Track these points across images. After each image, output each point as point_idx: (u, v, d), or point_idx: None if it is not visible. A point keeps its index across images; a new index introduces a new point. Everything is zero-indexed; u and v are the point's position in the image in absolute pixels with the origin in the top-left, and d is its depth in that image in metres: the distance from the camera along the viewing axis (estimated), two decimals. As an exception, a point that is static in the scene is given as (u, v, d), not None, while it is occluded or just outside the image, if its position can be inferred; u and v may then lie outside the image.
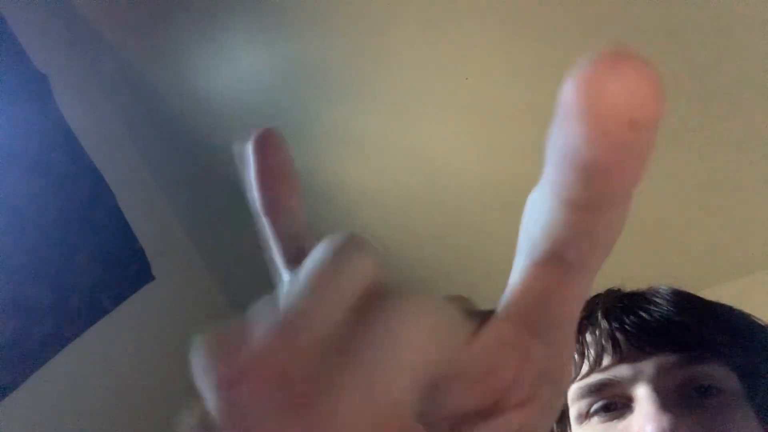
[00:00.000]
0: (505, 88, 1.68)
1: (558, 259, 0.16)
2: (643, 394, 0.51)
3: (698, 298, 0.60)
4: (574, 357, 0.58)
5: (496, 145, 1.79)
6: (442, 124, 1.81)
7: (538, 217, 0.17)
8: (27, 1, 1.90)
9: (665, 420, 0.47)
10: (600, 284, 0.65)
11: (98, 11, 1.96)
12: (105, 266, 1.95)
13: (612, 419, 0.52)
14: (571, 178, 0.15)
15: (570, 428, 0.58)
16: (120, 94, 2.12)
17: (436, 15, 1.64)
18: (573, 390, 0.57)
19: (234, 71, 1.96)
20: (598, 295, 0.61)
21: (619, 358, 0.54)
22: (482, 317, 0.17)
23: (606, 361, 0.55)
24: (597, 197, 0.15)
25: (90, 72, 2.08)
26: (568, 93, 0.14)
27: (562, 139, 0.15)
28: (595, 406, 0.54)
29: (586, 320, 0.60)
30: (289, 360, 0.14)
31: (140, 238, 2.07)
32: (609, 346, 0.55)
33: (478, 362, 0.16)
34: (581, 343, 0.58)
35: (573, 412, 0.57)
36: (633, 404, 0.52)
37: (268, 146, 0.24)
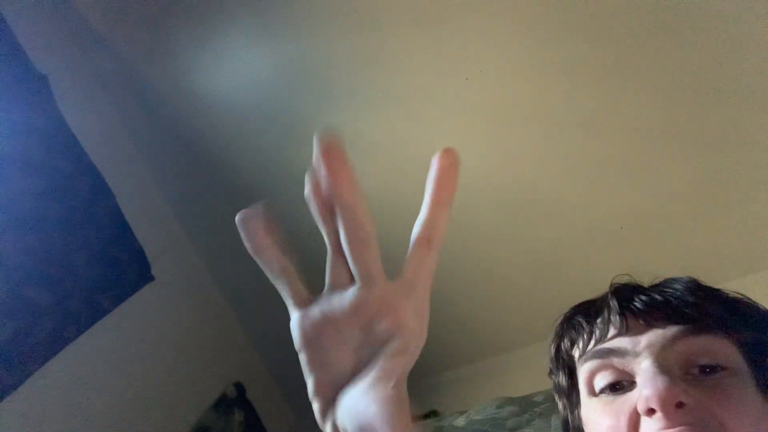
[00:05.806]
0: (505, 88, 1.68)
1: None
2: (644, 366, 0.51)
3: (711, 287, 0.60)
4: (583, 337, 0.59)
5: (496, 145, 1.79)
6: (442, 124, 1.81)
7: None
8: (27, 2, 1.90)
9: (661, 381, 0.48)
10: (605, 283, 0.65)
11: (98, 11, 1.97)
12: (105, 266, 1.95)
13: (618, 395, 0.53)
14: None
15: (580, 406, 0.59)
16: (120, 94, 2.12)
17: (437, 15, 1.64)
18: (580, 363, 0.58)
19: (234, 71, 1.96)
20: (619, 285, 0.62)
21: (625, 331, 0.55)
22: None
23: (611, 333, 0.56)
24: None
25: (90, 72, 2.08)
26: None
27: None
28: (601, 384, 0.55)
29: (600, 303, 0.61)
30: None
31: (140, 238, 2.07)
32: (616, 320, 0.57)
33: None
34: (591, 324, 0.59)
35: (581, 379, 0.58)
36: (636, 379, 0.52)
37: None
